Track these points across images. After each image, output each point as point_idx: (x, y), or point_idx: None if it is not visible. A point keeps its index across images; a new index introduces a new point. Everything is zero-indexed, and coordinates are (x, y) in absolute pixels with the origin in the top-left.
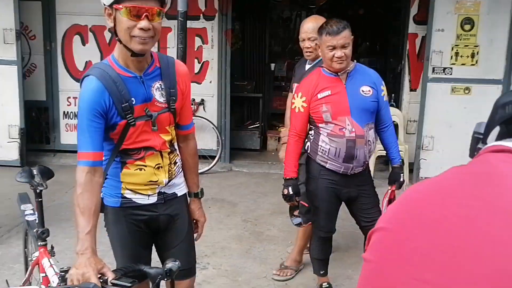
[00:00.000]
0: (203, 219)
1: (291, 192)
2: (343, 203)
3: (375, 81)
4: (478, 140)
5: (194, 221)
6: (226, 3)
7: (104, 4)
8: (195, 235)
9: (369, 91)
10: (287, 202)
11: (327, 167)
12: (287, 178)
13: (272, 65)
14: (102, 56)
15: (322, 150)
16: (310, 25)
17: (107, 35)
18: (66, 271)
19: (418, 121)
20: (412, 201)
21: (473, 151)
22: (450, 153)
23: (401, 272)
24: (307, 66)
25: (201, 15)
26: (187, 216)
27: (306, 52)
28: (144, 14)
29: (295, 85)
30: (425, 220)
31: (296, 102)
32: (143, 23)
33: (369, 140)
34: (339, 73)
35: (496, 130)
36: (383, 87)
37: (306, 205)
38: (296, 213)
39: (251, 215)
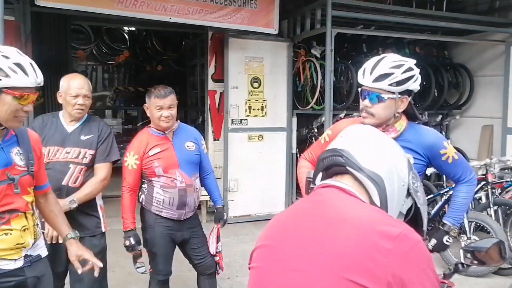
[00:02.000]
0: (88, 251)
1: (133, 243)
2: None
3: (196, 136)
4: (309, 182)
5: (82, 259)
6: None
7: None
8: (95, 272)
9: (193, 146)
10: (130, 252)
11: (162, 215)
12: (127, 230)
13: None
14: None
15: (157, 200)
16: (82, 82)
17: None
18: None
19: (223, 166)
20: (278, 224)
21: (308, 189)
22: (252, 192)
23: (280, 267)
24: (71, 128)
25: None
26: (51, 276)
27: (78, 109)
28: (31, 99)
29: (54, 147)
30: (288, 233)
31: (129, 160)
32: (31, 106)
33: (196, 188)
34: (166, 132)
35: (320, 175)
36: (203, 142)
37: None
38: (140, 261)
39: None
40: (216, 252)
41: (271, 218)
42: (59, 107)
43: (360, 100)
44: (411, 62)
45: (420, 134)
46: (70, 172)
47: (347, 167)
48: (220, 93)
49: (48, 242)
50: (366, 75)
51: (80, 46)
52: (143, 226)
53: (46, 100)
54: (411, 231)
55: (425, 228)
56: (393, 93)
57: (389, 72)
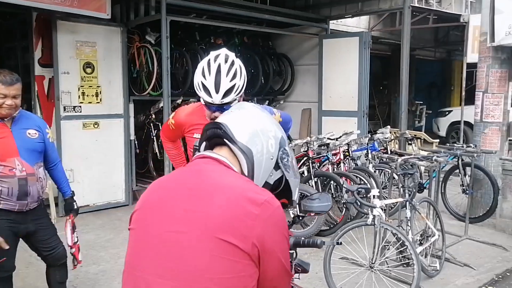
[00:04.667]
0: None
1: None
2: None
3: (39, 125)
4: (195, 150)
5: None
6: None
7: None
8: None
9: (35, 133)
10: None
11: (1, 207)
12: None
13: None
14: None
15: None
16: None
17: None
18: None
19: None
20: (158, 189)
21: (193, 156)
22: (90, 182)
23: (159, 229)
24: None
25: None
26: None
27: None
28: None
29: None
30: (168, 198)
31: None
32: None
33: (40, 177)
34: (5, 119)
35: (204, 144)
36: (48, 130)
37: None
38: None
39: None
40: (73, 243)
41: (112, 207)
42: None
43: (207, 110)
44: (236, 60)
45: None
46: None
47: (225, 139)
48: (49, 78)
49: None
50: (213, 95)
51: None
52: None
53: None
54: (273, 198)
55: (294, 198)
56: (237, 97)
57: (231, 85)
